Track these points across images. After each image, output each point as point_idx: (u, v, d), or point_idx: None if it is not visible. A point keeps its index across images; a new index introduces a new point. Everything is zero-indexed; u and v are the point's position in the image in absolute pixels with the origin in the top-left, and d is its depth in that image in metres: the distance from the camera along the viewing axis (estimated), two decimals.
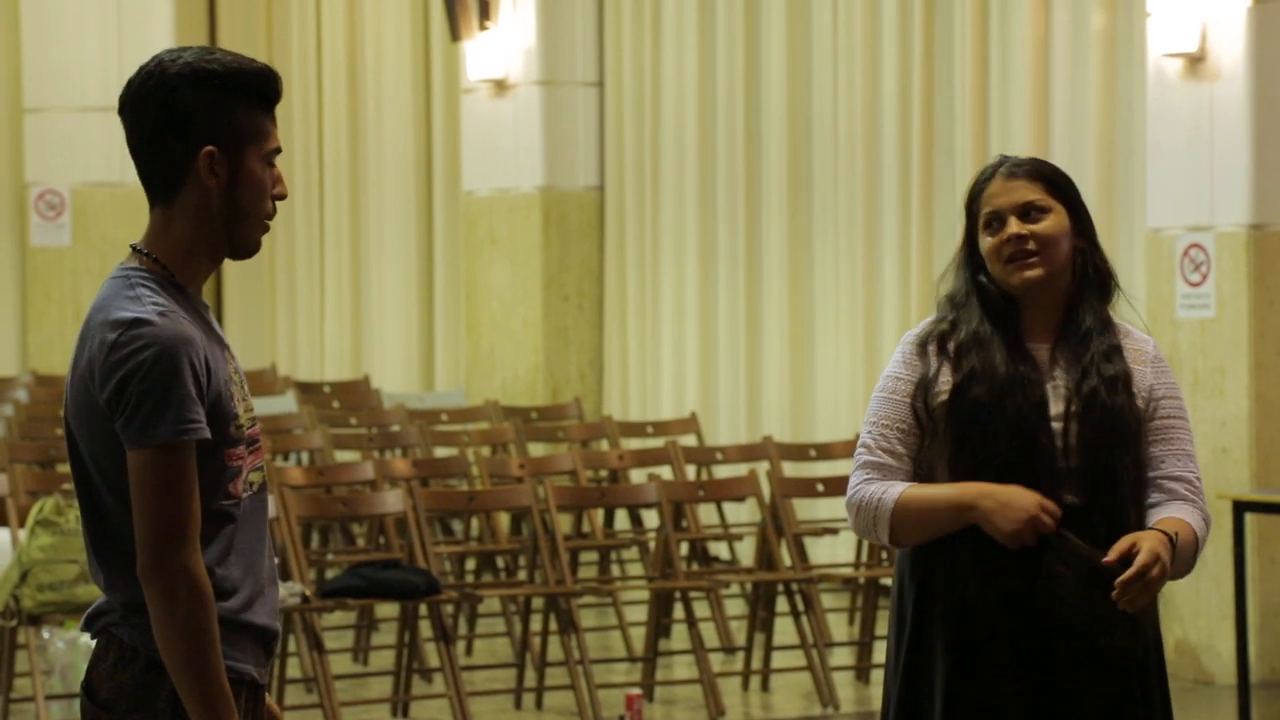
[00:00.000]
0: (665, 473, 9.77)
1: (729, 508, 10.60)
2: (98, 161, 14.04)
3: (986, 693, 3.76)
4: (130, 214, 14.12)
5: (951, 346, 3.82)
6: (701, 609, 9.09)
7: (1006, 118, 10.11)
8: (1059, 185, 3.85)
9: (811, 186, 11.32)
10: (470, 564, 10.00)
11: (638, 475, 10.10)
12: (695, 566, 9.63)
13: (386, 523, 8.66)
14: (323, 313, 14.24)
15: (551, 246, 12.35)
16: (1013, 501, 3.70)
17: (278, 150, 3.17)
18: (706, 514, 10.48)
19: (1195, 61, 8.85)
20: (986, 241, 3.84)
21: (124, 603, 3.10)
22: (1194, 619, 8.86)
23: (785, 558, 8.68)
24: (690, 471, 10.04)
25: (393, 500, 8.21)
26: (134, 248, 3.17)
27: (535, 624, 8.44)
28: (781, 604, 8.77)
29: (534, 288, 12.34)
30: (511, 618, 9.00)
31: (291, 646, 7.97)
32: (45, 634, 7.90)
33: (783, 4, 11.37)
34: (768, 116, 11.52)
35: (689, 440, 10.74)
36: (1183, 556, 3.76)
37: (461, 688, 7.76)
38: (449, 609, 8.40)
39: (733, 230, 11.75)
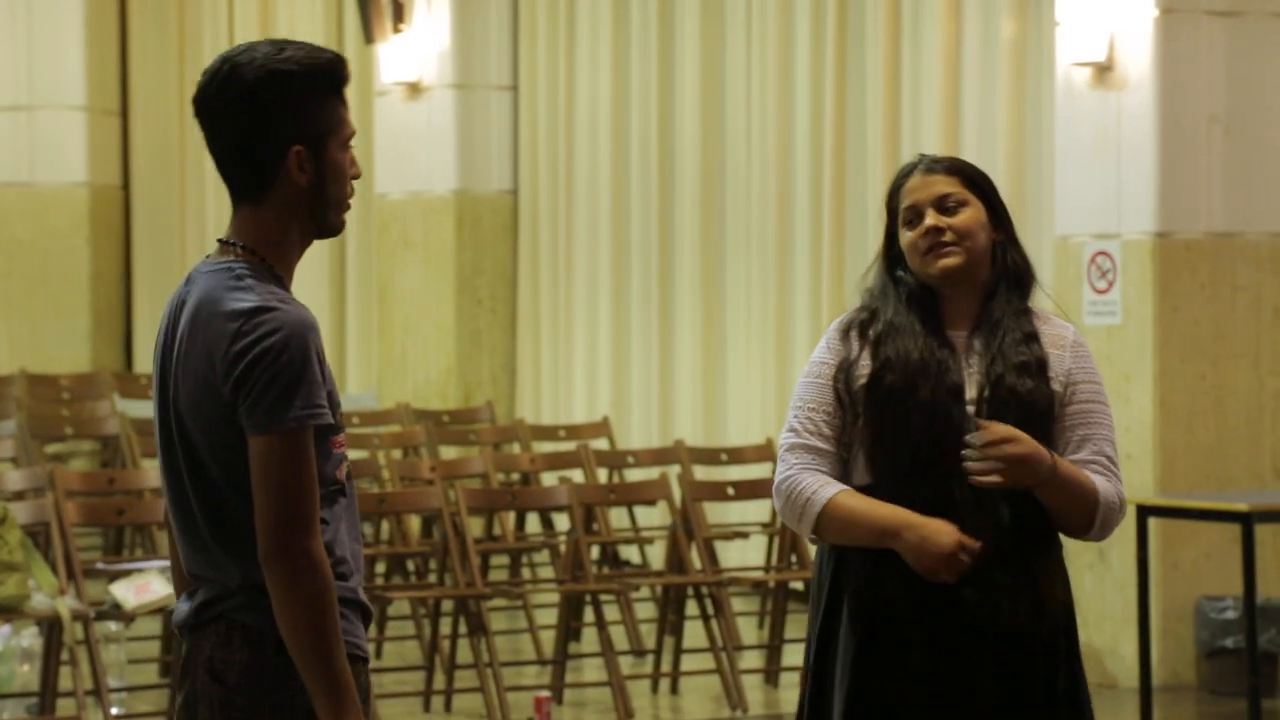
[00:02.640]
0: (577, 476, 9.79)
1: (640, 511, 10.63)
2: (6, 161, 13.93)
3: (890, 672, 3.82)
4: (39, 214, 14.02)
5: (872, 333, 3.91)
6: (611, 612, 9.10)
7: (918, 124, 10.18)
8: (975, 180, 3.94)
9: (725, 192, 11.36)
10: (380, 567, 9.97)
11: (549, 478, 10.11)
12: (606, 570, 9.65)
13: None
14: None
15: (465, 250, 12.34)
16: (931, 538, 3.77)
17: (353, 133, 3.25)
18: (618, 518, 10.50)
19: (1103, 70, 8.94)
20: (906, 236, 3.93)
21: (244, 586, 3.13)
22: (1098, 623, 8.94)
23: (695, 561, 8.70)
24: (602, 475, 10.06)
25: None
26: (225, 241, 3.21)
27: (445, 627, 8.44)
28: (691, 607, 8.79)
29: (447, 291, 12.33)
30: (421, 620, 8.98)
31: None
32: None
33: (697, 8, 11.41)
34: (681, 121, 11.56)
35: (601, 444, 10.76)
36: (1070, 492, 3.82)
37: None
38: None
39: (646, 235, 11.78)
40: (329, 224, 3.23)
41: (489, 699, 7.96)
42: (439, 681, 8.35)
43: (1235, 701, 8.15)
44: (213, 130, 3.20)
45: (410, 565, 9.87)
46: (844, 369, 3.88)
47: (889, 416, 3.83)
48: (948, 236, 3.87)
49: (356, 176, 3.24)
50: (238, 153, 3.18)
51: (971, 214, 3.89)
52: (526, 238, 12.45)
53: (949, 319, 3.91)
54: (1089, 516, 3.86)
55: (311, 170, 3.18)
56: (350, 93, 12.91)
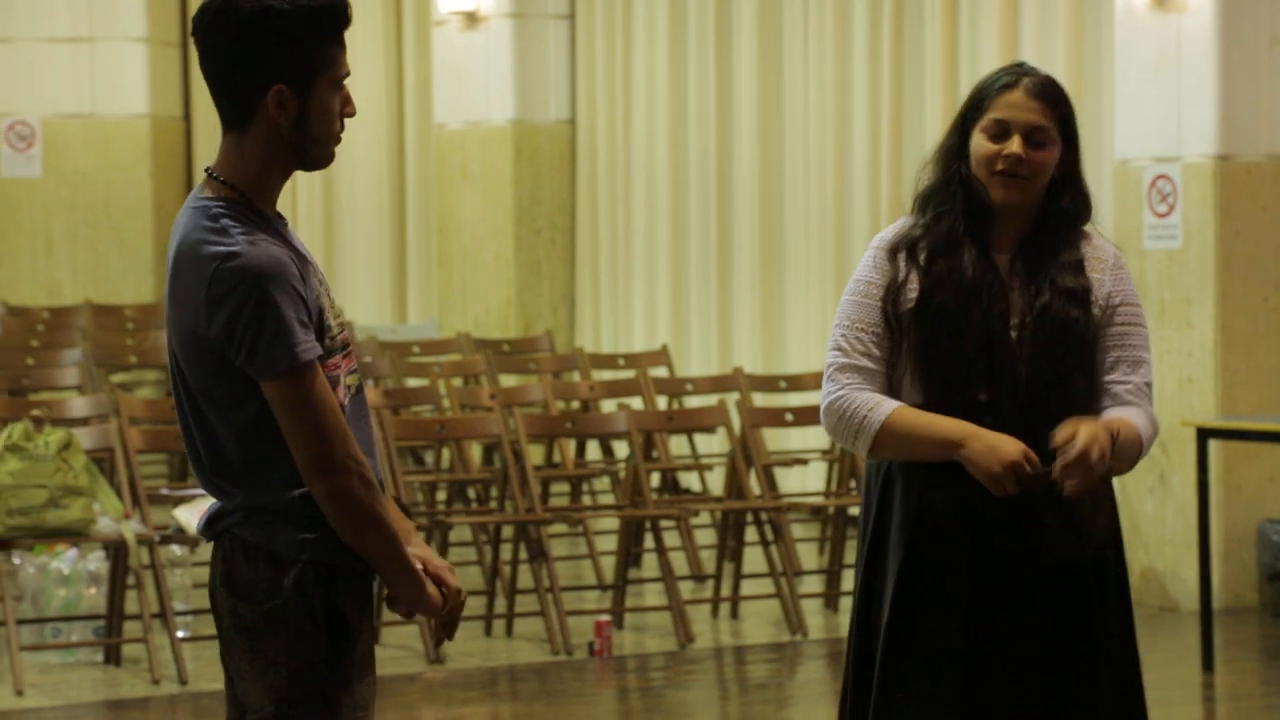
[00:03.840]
0: (636, 403, 9.81)
1: (700, 439, 10.65)
2: (68, 92, 13.99)
3: (935, 589, 3.84)
4: (101, 145, 14.10)
5: (922, 254, 3.88)
6: (671, 538, 9.14)
7: (975, 49, 10.12)
8: (1066, 119, 3.90)
9: (783, 118, 11.33)
10: (442, 494, 10.04)
11: (608, 406, 10.14)
12: (666, 497, 9.67)
13: None
14: None
15: (523, 180, 12.35)
16: (999, 447, 3.76)
17: (347, 74, 3.30)
18: (678, 445, 10.53)
19: None
20: (983, 144, 3.88)
21: (243, 507, 3.29)
22: (1159, 546, 8.94)
23: (755, 487, 8.73)
24: (661, 402, 10.08)
25: None
26: (209, 173, 3.29)
27: (506, 553, 8.49)
28: (751, 534, 8.83)
29: (506, 221, 12.35)
30: (482, 546, 9.05)
31: None
32: (15, 559, 7.93)
33: None
34: (739, 54, 11.53)
35: (660, 372, 10.78)
36: (1122, 452, 3.83)
37: None
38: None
39: (704, 162, 11.77)
40: (312, 159, 3.30)
41: (550, 623, 8.02)
42: (500, 606, 8.41)
43: None
44: (203, 54, 3.27)
45: (471, 493, 9.93)
46: (893, 290, 3.86)
47: (943, 334, 3.82)
48: (1024, 169, 3.84)
49: (350, 115, 3.30)
50: (223, 81, 3.25)
51: (1051, 154, 3.85)
52: (584, 167, 12.46)
53: (996, 239, 3.90)
54: (1134, 462, 3.89)
55: (294, 109, 3.24)
56: (409, 22, 12.97)
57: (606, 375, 10.90)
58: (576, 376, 10.85)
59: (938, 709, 3.82)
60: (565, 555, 9.58)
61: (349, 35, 3.37)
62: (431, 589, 3.31)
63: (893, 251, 3.91)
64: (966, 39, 10.18)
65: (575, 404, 10.45)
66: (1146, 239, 8.96)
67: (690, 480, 10.95)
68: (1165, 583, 8.90)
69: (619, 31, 12.20)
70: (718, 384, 9.97)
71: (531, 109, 12.36)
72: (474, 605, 8.66)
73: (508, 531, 8.47)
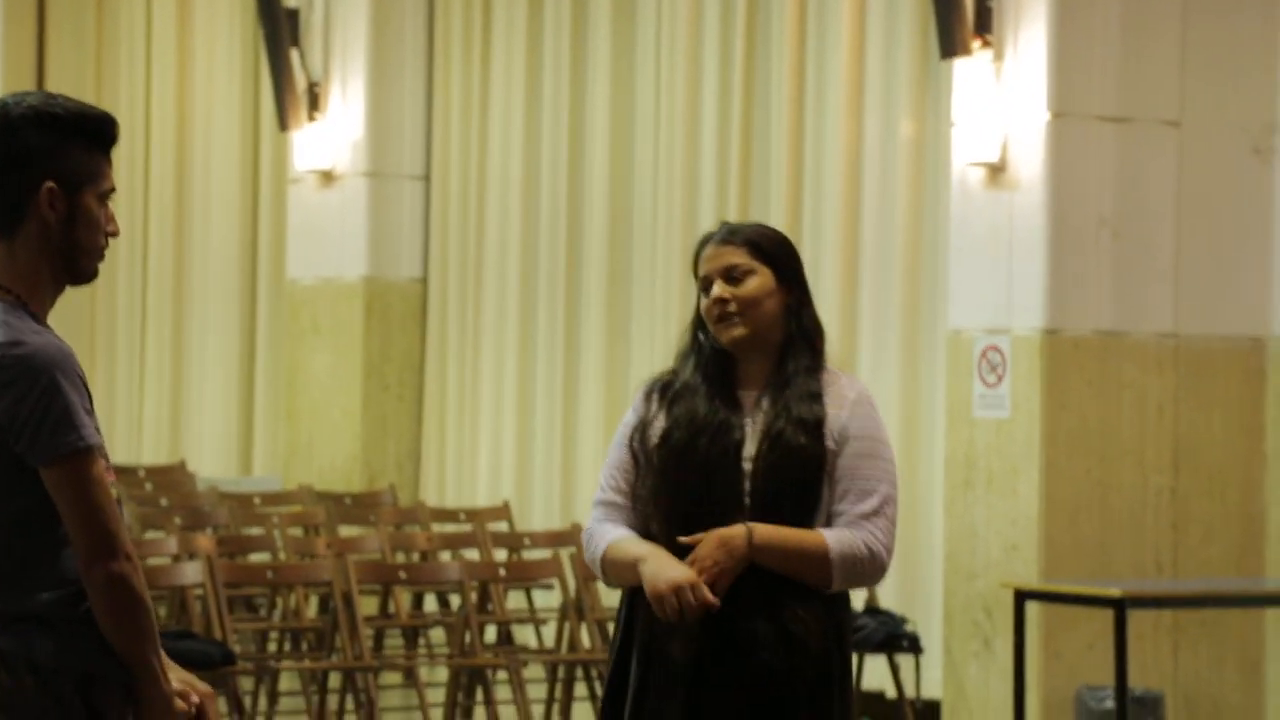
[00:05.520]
0: (474, 556, 9.84)
1: (538, 595, 10.70)
2: None
3: (665, 700, 4.04)
4: None
5: (670, 395, 4.15)
6: (504, 692, 9.15)
7: (819, 219, 10.37)
8: (765, 249, 4.14)
9: (631, 282, 11.52)
10: (273, 644, 10.00)
11: (446, 558, 10.17)
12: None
13: (188, 596, 8.67)
14: (142, 396, 14.22)
15: (373, 336, 12.44)
16: (666, 570, 4.01)
17: (112, 190, 3.37)
18: (516, 600, 10.57)
19: (997, 171, 9.16)
20: (701, 301, 4.17)
21: (2, 614, 3.26)
22: (983, 712, 9.06)
23: (587, 640, 8.78)
24: (500, 556, 10.13)
25: (191, 572, 8.23)
26: None
27: (333, 703, 8.47)
28: (581, 688, 8.86)
29: (354, 376, 12.41)
30: (311, 696, 9.01)
31: None
32: None
33: (606, 101, 11.61)
34: (590, 212, 11.73)
35: (501, 527, 10.83)
36: (784, 554, 4.01)
37: None
38: (246, 684, 8.40)
39: (552, 323, 11.92)
40: (79, 268, 3.35)
41: None
42: None
43: None
44: None
45: (304, 643, 9.89)
46: (640, 429, 4.13)
47: (670, 472, 4.07)
48: (732, 307, 4.08)
49: (113, 234, 3.36)
50: None
51: (757, 282, 4.10)
52: (435, 325, 12.57)
53: (743, 380, 4.13)
54: (824, 572, 4.03)
55: (63, 210, 3.31)
56: (265, 178, 12.99)
57: (448, 529, 10.94)
58: (418, 529, 10.87)
59: None
60: (397, 706, 9.56)
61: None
62: (178, 702, 3.31)
63: (648, 393, 4.18)
64: (810, 214, 10.41)
65: (415, 556, 10.47)
66: (976, 407, 9.17)
67: (526, 635, 10.98)
68: None
69: (472, 192, 12.38)
70: (556, 538, 10.04)
71: (384, 266, 12.48)
72: None
73: (336, 680, 8.46)
